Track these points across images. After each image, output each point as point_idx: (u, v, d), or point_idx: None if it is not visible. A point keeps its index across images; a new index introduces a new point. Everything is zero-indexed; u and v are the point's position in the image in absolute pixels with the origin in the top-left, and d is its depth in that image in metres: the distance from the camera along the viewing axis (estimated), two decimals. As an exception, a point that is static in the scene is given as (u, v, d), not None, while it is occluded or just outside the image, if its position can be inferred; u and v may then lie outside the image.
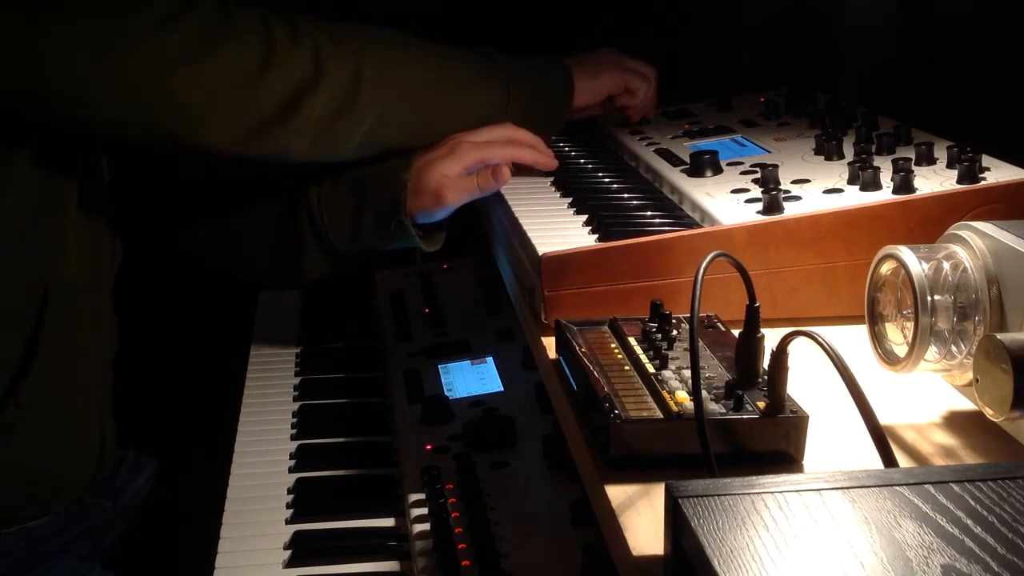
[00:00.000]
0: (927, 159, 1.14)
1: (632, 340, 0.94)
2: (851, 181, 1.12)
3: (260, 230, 1.37)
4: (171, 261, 1.52)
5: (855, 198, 1.08)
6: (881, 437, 0.73)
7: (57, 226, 1.21)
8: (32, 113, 1.13)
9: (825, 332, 0.75)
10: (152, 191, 1.44)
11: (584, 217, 1.19)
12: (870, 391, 0.74)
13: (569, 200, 1.26)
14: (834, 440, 0.84)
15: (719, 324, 0.98)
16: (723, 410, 0.81)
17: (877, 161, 1.15)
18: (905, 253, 0.86)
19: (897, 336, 0.89)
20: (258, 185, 1.38)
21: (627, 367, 0.90)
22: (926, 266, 0.85)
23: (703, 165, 1.22)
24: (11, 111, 1.12)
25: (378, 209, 1.30)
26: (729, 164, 1.25)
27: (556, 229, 1.16)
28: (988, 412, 0.77)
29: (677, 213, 1.17)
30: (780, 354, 0.81)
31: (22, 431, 1.20)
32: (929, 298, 0.84)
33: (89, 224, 1.26)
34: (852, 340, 0.94)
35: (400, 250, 1.79)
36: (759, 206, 1.08)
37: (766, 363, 0.84)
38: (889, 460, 0.72)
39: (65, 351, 1.23)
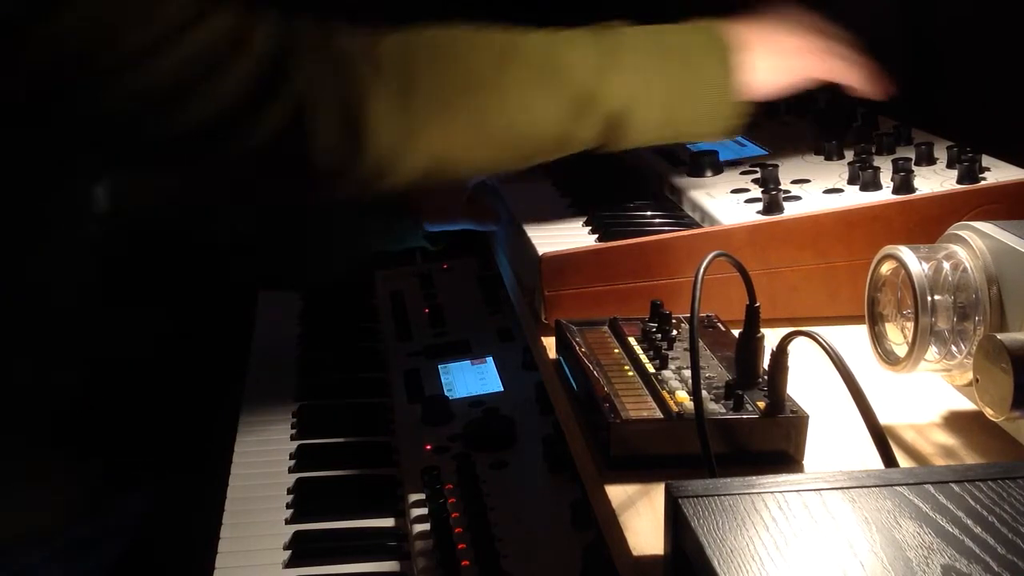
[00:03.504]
0: (927, 159, 1.14)
1: (632, 340, 0.94)
2: (851, 181, 1.12)
3: None
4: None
5: (855, 198, 1.08)
6: (881, 437, 0.73)
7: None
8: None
9: (825, 332, 0.75)
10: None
11: (584, 217, 1.19)
12: (870, 391, 0.74)
13: (569, 200, 1.26)
14: (834, 440, 0.84)
15: (719, 324, 0.98)
16: (723, 410, 0.81)
17: (877, 161, 1.15)
18: (905, 253, 0.86)
19: (897, 336, 0.89)
20: None
21: (627, 367, 0.90)
22: (926, 266, 0.85)
23: (703, 165, 1.22)
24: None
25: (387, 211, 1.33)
26: (729, 164, 1.25)
27: (556, 229, 1.16)
28: (988, 412, 0.77)
29: (677, 213, 1.17)
30: (780, 354, 0.81)
31: None
32: (929, 298, 0.84)
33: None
34: (852, 340, 0.94)
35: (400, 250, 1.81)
36: (759, 206, 1.08)
37: (766, 363, 0.84)
38: (889, 460, 0.72)
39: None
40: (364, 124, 0.99)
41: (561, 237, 1.13)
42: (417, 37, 1.05)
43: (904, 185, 1.06)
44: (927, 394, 0.91)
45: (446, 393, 1.43)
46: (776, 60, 1.11)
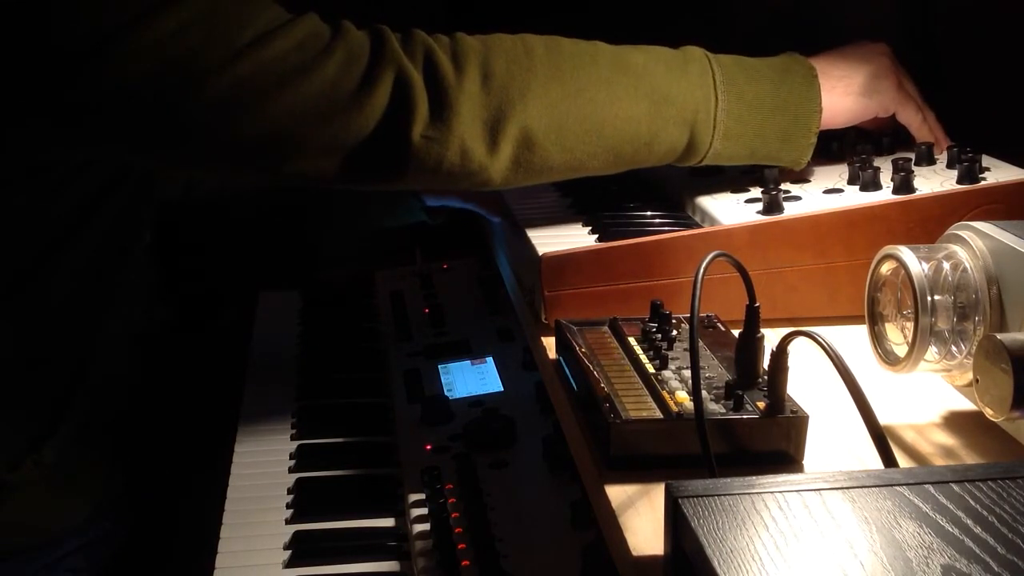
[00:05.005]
0: (927, 159, 1.14)
1: (632, 340, 0.94)
2: (851, 181, 1.12)
3: None
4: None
5: (855, 198, 1.08)
6: (881, 437, 0.73)
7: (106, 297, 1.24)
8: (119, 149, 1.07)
9: (825, 332, 0.75)
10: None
11: (584, 217, 1.19)
12: (870, 391, 0.74)
13: (569, 200, 1.26)
14: (834, 440, 0.84)
15: (719, 324, 0.98)
16: (723, 410, 0.81)
17: (877, 161, 1.15)
18: (905, 253, 0.86)
19: (897, 336, 0.89)
20: None
21: (627, 367, 0.90)
22: (926, 266, 0.85)
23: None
24: (102, 159, 1.10)
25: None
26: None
27: (556, 229, 1.16)
28: (988, 412, 0.77)
29: (677, 213, 1.17)
30: (780, 354, 0.81)
31: (32, 488, 1.22)
32: (929, 298, 0.84)
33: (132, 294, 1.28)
34: (852, 340, 0.94)
35: (400, 250, 1.81)
36: (759, 206, 1.08)
37: (766, 363, 0.84)
38: (889, 460, 0.72)
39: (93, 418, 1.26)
40: (453, 105, 1.01)
41: (561, 237, 1.13)
42: (491, 37, 1.07)
43: (904, 185, 1.06)
44: (927, 394, 0.91)
45: (446, 393, 1.43)
46: (853, 91, 1.14)
